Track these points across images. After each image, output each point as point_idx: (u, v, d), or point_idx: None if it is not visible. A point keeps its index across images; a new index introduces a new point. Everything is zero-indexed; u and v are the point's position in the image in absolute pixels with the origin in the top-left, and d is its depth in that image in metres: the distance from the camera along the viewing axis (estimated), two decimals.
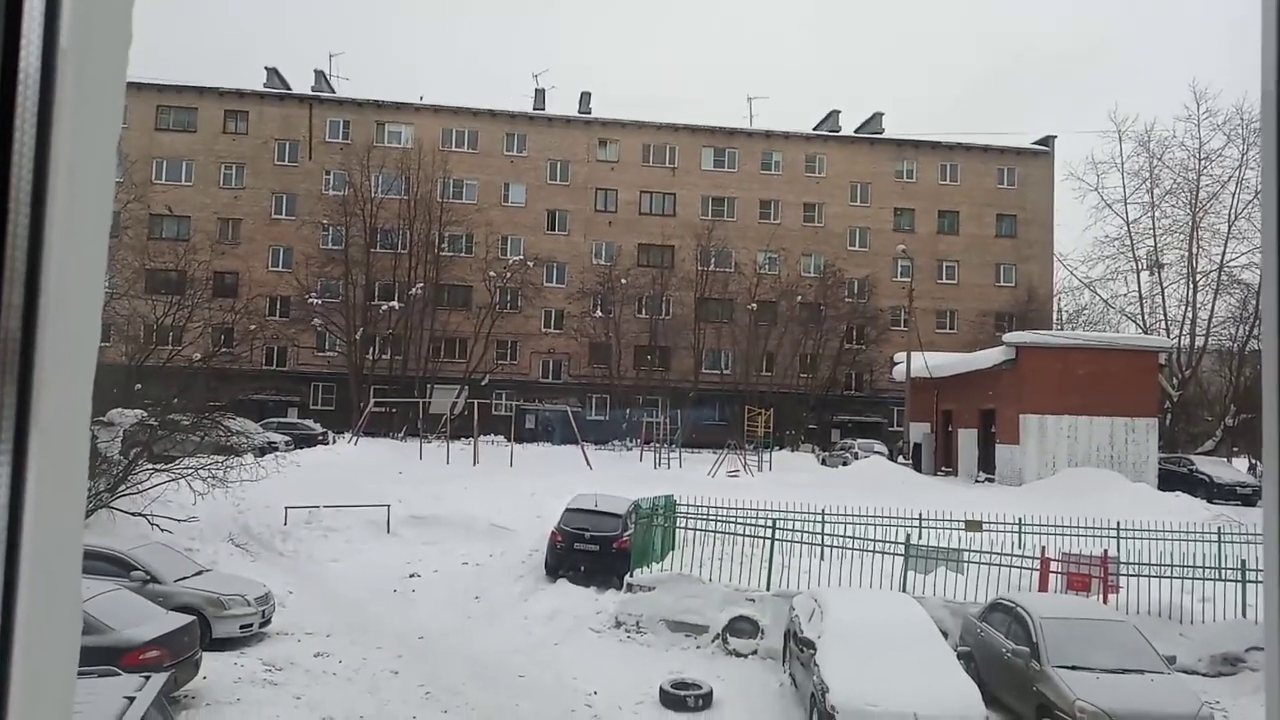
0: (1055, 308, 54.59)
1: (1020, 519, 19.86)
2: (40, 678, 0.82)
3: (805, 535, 17.28)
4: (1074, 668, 10.75)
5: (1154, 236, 48.05)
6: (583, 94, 56.96)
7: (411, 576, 18.20)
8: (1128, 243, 48.84)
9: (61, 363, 0.81)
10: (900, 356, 42.42)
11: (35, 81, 0.76)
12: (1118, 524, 19.27)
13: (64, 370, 0.82)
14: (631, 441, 45.41)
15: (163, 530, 17.22)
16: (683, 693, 11.87)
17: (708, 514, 18.60)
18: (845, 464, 38.39)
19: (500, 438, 41.17)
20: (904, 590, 14.74)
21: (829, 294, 52.10)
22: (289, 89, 55.16)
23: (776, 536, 16.23)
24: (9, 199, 0.74)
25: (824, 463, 42.05)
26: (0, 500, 0.75)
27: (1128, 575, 15.24)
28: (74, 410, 0.86)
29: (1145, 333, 45.71)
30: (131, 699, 7.35)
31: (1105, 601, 14.44)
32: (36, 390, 0.78)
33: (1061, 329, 48.67)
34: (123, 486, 17.90)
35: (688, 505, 19.28)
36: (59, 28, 0.78)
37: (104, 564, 13.27)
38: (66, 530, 0.86)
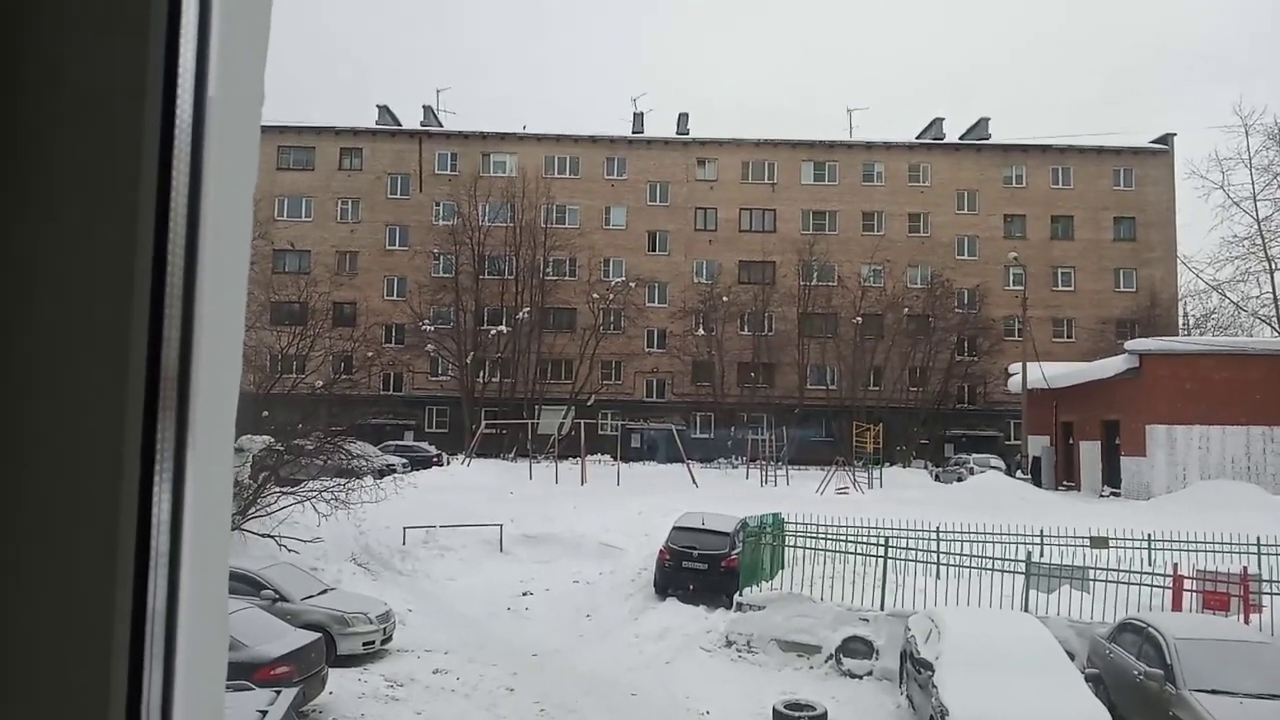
0: (1181, 312, 51.95)
1: (1150, 535, 18.86)
2: (197, 688, 0.88)
3: (920, 553, 16.83)
4: (1214, 692, 10.10)
5: None
6: (680, 115, 57.35)
7: (524, 595, 18.49)
8: (1259, 242, 46.10)
9: (211, 393, 0.88)
10: (1015, 368, 41.04)
11: (188, 129, 0.83)
12: (1258, 539, 18.09)
13: (213, 400, 0.89)
14: (737, 459, 45.13)
15: (290, 550, 17.92)
16: (796, 713, 11.67)
17: (817, 532, 18.30)
18: (960, 480, 37.22)
19: (607, 457, 41.54)
20: (1026, 610, 14.18)
21: (937, 305, 50.78)
22: (400, 125, 57.29)
23: (890, 555, 15.84)
24: (168, 241, 0.81)
25: (937, 479, 40.88)
26: (165, 520, 0.82)
27: (1272, 594, 14.29)
28: (221, 436, 0.93)
29: None
30: (264, 713, 7.69)
31: (1247, 622, 13.56)
32: (192, 419, 0.85)
33: (1188, 334, 46.28)
34: (253, 509, 18.71)
35: (796, 523, 19.02)
36: (207, 79, 0.84)
37: (236, 583, 13.87)
38: (216, 549, 0.93)
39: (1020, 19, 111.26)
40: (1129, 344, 35.28)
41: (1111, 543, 18.29)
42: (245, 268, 0.97)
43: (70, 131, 0.78)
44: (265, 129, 51.31)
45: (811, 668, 14.32)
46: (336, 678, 12.60)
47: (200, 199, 0.84)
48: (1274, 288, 45.66)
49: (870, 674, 14.00)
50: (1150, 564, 17.23)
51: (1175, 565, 16.02)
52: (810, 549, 17.26)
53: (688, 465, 36.83)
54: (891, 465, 43.00)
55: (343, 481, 20.11)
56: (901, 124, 78.21)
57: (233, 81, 0.88)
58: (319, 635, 12.56)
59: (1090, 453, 36.76)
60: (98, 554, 0.77)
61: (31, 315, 0.78)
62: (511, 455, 43.15)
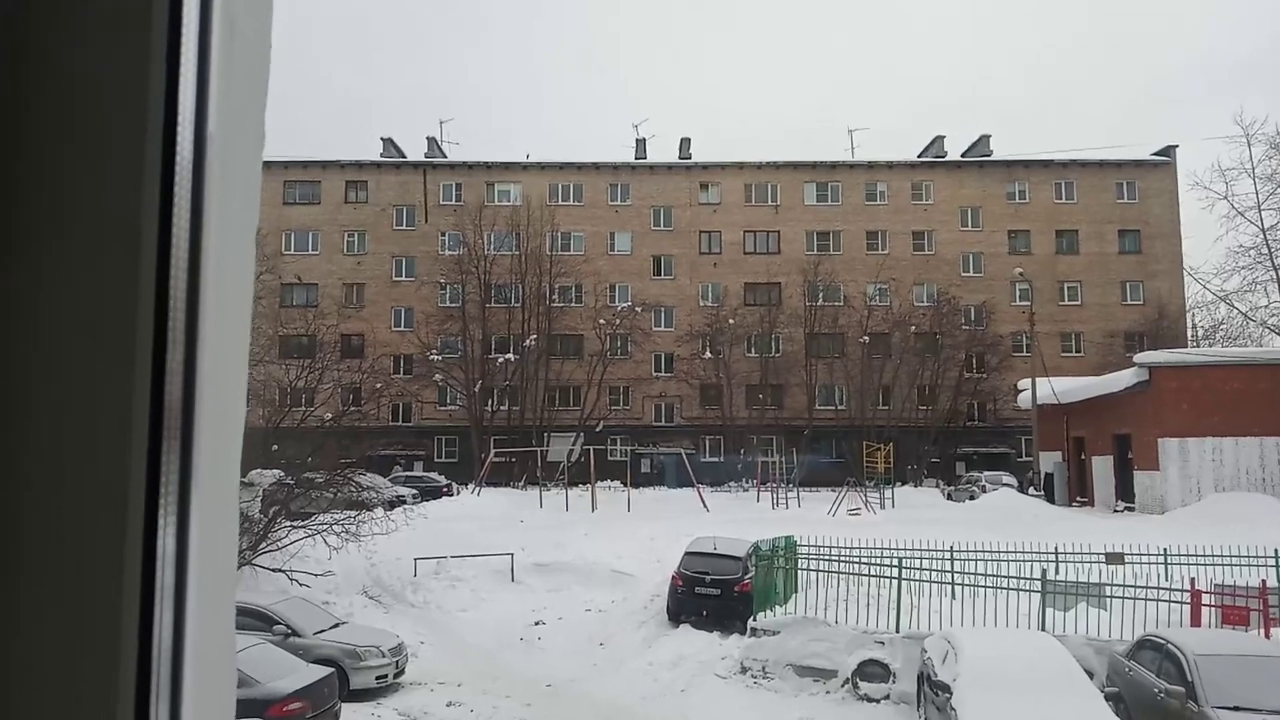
0: (1189, 324, 51.76)
1: (1166, 549, 18.69)
2: None
3: (934, 574, 16.69)
4: (1237, 708, 9.96)
5: None
6: (682, 140, 57.74)
7: (537, 624, 18.37)
8: (1265, 251, 45.87)
9: (216, 428, 0.88)
10: (1024, 383, 40.87)
11: (189, 167, 0.84)
12: (1276, 551, 17.91)
13: (218, 435, 0.89)
14: (747, 482, 44.97)
15: (301, 585, 17.87)
16: None
17: (830, 554, 18.18)
18: (973, 498, 37.03)
19: (617, 483, 41.42)
20: (1042, 629, 14.05)
21: (944, 323, 50.75)
22: (404, 157, 57.74)
23: (904, 576, 15.73)
24: (170, 279, 0.82)
25: (950, 497, 40.66)
26: (170, 556, 0.81)
27: None
28: (227, 471, 0.93)
29: None
30: None
31: (1267, 635, 13.41)
32: (196, 454, 0.85)
33: (1197, 346, 46.10)
34: (264, 544, 18.67)
35: (809, 546, 18.90)
36: (207, 117, 0.85)
37: (248, 619, 13.84)
38: (223, 584, 0.92)
39: (1025, 37, 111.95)
40: (1138, 357, 35.08)
41: (1127, 558, 18.13)
42: (249, 303, 0.98)
43: (71, 170, 0.79)
44: (270, 164, 51.83)
45: (828, 692, 14.18)
46: (350, 713, 12.53)
47: (201, 236, 0.84)
48: None
49: (887, 697, 13.86)
50: (1167, 579, 17.07)
51: (1192, 580, 15.86)
52: (824, 572, 17.13)
53: (698, 489, 36.69)
54: (903, 485, 42.77)
55: (353, 514, 20.06)
56: (902, 144, 78.60)
57: (233, 120, 0.89)
58: (331, 670, 12.51)
59: (1103, 468, 36.51)
60: (102, 590, 0.77)
61: (34, 353, 0.78)
62: (521, 483, 43.07)
